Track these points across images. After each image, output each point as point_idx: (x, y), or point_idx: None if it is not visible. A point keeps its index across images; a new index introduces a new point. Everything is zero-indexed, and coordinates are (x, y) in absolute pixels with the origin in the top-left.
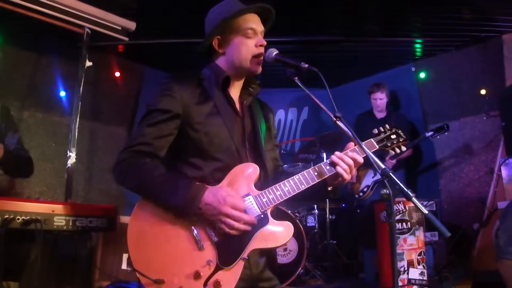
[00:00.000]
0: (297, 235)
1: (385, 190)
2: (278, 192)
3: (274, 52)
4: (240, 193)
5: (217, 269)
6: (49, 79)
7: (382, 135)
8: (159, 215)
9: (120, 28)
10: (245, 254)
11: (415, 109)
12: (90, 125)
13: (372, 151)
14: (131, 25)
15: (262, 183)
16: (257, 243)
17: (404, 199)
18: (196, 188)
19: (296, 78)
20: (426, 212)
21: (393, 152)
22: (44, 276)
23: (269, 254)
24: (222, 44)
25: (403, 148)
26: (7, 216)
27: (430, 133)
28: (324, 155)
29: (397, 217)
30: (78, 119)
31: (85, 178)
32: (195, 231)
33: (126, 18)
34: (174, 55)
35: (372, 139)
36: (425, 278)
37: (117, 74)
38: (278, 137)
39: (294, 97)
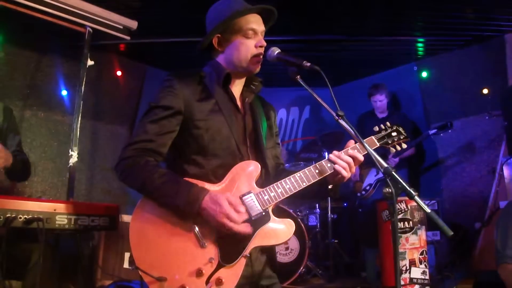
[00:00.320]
0: (298, 234)
1: (387, 189)
2: (280, 190)
3: (276, 51)
4: (241, 191)
5: (219, 266)
6: (51, 78)
7: (383, 133)
8: (160, 214)
9: (121, 27)
10: (246, 252)
11: (417, 108)
12: (92, 124)
13: (373, 148)
14: (133, 24)
15: (263, 181)
16: (258, 240)
17: (406, 198)
18: (197, 190)
19: (298, 77)
20: (429, 211)
21: (394, 150)
22: (47, 275)
23: (269, 252)
24: (222, 43)
25: (404, 146)
26: (9, 215)
27: (434, 130)
28: (326, 154)
29: (399, 216)
30: (80, 118)
31: (87, 177)
32: (197, 229)
33: (128, 17)
34: (175, 54)
35: (373, 137)
36: (427, 277)
37: (119, 73)
38: (280, 136)
39: (296, 96)
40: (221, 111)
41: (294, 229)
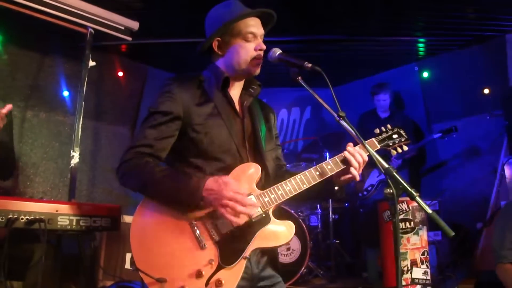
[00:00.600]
0: (300, 234)
1: (388, 189)
2: (280, 192)
3: (277, 51)
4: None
5: (219, 268)
6: (53, 79)
7: (384, 135)
8: (161, 215)
9: (123, 28)
10: (246, 253)
11: (418, 108)
12: (94, 124)
13: (374, 150)
14: (134, 25)
15: (263, 183)
16: (258, 242)
17: (408, 198)
18: (198, 179)
19: (299, 78)
20: (430, 211)
21: (395, 152)
22: (48, 276)
23: (271, 253)
24: (221, 46)
25: (405, 148)
26: (11, 216)
27: (439, 134)
28: (327, 154)
29: (401, 217)
30: (81, 119)
31: (89, 178)
32: (197, 231)
33: (129, 18)
34: (177, 55)
35: (373, 139)
36: (429, 277)
37: (120, 73)
38: (281, 136)
39: (297, 96)
40: (220, 115)
41: (294, 231)
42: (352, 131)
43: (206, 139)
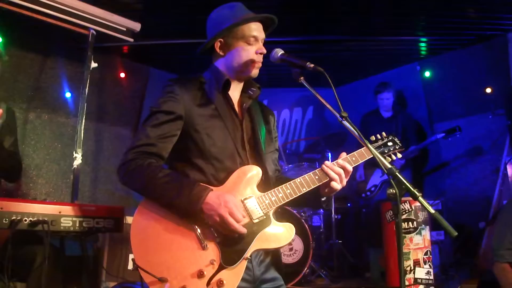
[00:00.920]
0: (302, 235)
1: (391, 190)
2: (280, 194)
3: (279, 52)
4: (243, 195)
5: (221, 268)
6: (55, 80)
7: (380, 142)
8: (162, 215)
9: (125, 29)
10: (247, 254)
11: (420, 108)
12: (96, 126)
13: (369, 157)
14: (136, 26)
15: (264, 185)
16: (259, 243)
17: (410, 198)
18: (201, 188)
19: (301, 78)
20: (433, 211)
21: (390, 159)
22: (51, 277)
23: (274, 254)
24: (223, 47)
25: (399, 155)
26: (14, 218)
27: (442, 134)
28: (329, 154)
29: (403, 217)
30: (83, 120)
31: (91, 179)
32: (199, 231)
33: (131, 19)
34: (178, 56)
35: (369, 145)
36: (431, 277)
37: (122, 75)
38: (283, 137)
39: (299, 96)
40: (221, 117)
41: (294, 233)
42: (355, 132)
43: (208, 140)
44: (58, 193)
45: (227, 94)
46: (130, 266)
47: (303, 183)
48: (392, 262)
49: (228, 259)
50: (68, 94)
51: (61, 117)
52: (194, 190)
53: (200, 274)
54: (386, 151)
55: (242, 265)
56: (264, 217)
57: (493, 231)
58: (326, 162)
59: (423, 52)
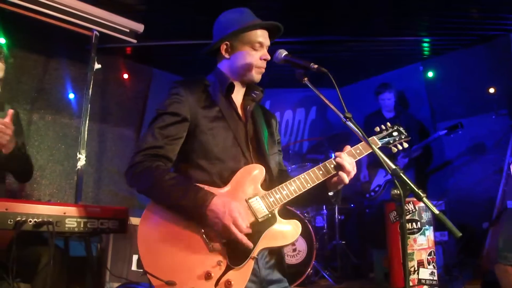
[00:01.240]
0: (306, 235)
1: (395, 190)
2: (285, 192)
3: (283, 53)
4: (247, 194)
5: (228, 269)
6: (58, 81)
7: (384, 133)
8: (169, 217)
9: (128, 30)
10: (254, 253)
11: (423, 108)
12: (99, 127)
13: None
14: (139, 27)
15: (268, 185)
16: (266, 242)
17: (414, 198)
18: (205, 192)
19: (306, 79)
20: (437, 212)
21: (396, 149)
22: (55, 278)
23: (278, 255)
24: (229, 50)
25: (405, 145)
26: (19, 218)
27: (444, 131)
28: (333, 155)
29: (407, 217)
30: (87, 121)
31: (95, 180)
32: (204, 233)
33: (134, 20)
34: (181, 57)
35: (374, 137)
36: (435, 278)
37: (126, 76)
38: (286, 137)
39: (302, 97)
40: (225, 118)
41: (300, 230)
42: (359, 132)
43: (212, 141)
44: (61, 194)
45: (231, 97)
46: (134, 267)
47: (308, 179)
48: (396, 263)
49: (235, 259)
50: (71, 95)
51: (64, 118)
52: (199, 194)
53: (208, 276)
54: (391, 141)
55: (249, 265)
56: (269, 215)
57: (496, 231)
58: (338, 153)
59: (425, 53)
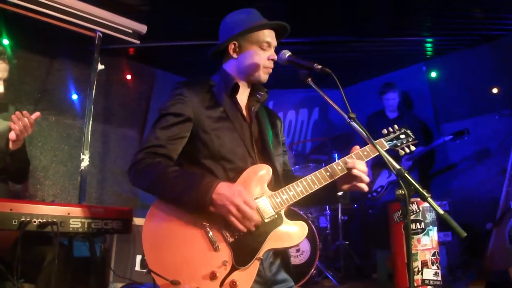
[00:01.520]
0: (309, 236)
1: (400, 191)
2: (291, 192)
3: (287, 53)
4: (254, 194)
5: (233, 269)
6: (62, 82)
7: (392, 135)
8: (174, 217)
9: (131, 31)
10: (260, 254)
11: (426, 108)
12: (103, 127)
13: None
14: (142, 28)
15: (274, 185)
16: (272, 243)
17: (418, 199)
18: (210, 179)
19: (309, 79)
20: (442, 212)
21: (403, 152)
22: (59, 278)
23: (283, 256)
24: (237, 50)
25: (413, 148)
26: (23, 219)
27: (450, 137)
28: (336, 155)
29: (411, 217)
30: (90, 122)
31: (98, 181)
32: (210, 232)
33: (137, 21)
34: (185, 58)
35: (382, 139)
36: (439, 278)
37: (129, 77)
38: (289, 138)
39: (305, 97)
40: (229, 118)
41: (307, 231)
42: (363, 133)
43: (217, 141)
44: (65, 194)
45: (235, 97)
46: (137, 267)
47: (315, 180)
48: (400, 263)
49: (241, 259)
50: (75, 96)
51: (68, 119)
52: (204, 181)
53: (213, 276)
54: (399, 144)
55: (254, 266)
56: (276, 216)
57: (500, 232)
58: (351, 162)
59: (428, 53)
